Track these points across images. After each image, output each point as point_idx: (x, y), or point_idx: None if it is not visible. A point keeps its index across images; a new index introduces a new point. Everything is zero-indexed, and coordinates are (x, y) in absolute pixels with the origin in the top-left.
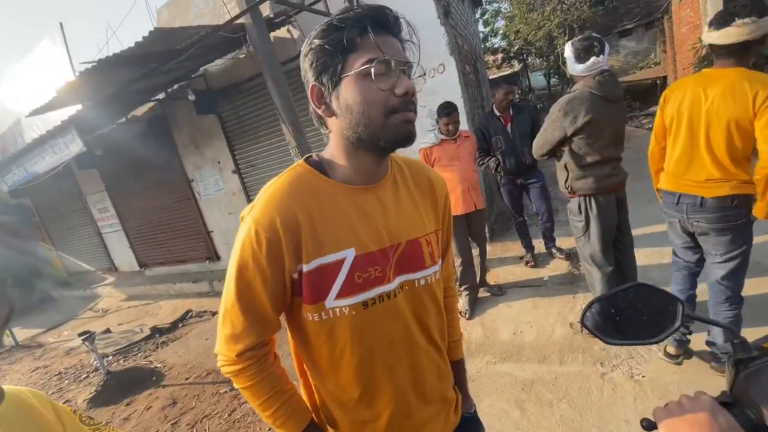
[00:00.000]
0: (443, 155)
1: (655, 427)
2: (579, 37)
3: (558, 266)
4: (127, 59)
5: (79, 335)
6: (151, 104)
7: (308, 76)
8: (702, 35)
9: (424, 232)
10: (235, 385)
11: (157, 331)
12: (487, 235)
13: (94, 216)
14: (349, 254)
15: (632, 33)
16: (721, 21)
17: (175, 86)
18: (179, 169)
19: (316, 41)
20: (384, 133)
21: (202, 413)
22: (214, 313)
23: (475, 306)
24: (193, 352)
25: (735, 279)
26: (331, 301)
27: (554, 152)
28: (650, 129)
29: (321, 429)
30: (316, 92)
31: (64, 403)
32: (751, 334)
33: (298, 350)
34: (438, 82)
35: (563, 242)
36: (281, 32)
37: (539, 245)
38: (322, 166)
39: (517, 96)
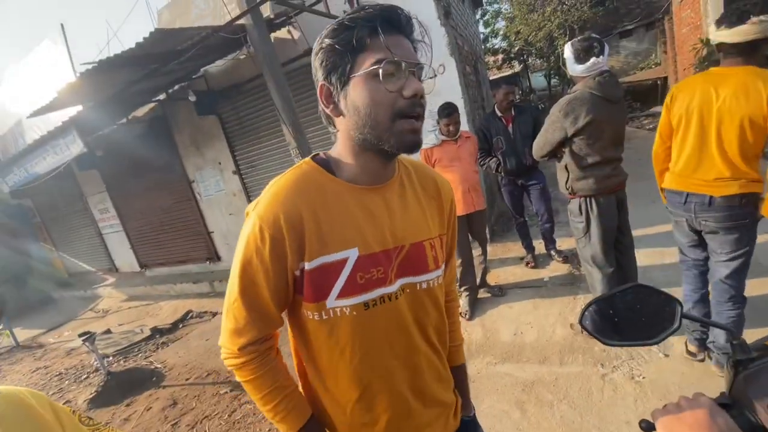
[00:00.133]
0: (444, 156)
1: (654, 429)
2: (579, 38)
3: (558, 267)
4: (127, 60)
5: (80, 336)
6: (151, 105)
7: (318, 74)
8: (709, 34)
9: (428, 235)
10: (237, 378)
11: (157, 331)
12: (488, 236)
13: (94, 216)
14: (353, 254)
15: (633, 34)
16: (733, 19)
17: (176, 87)
18: (180, 169)
19: (327, 40)
20: (389, 137)
21: (202, 414)
22: (215, 314)
23: (476, 307)
24: (194, 352)
25: (738, 278)
26: (332, 301)
27: (554, 153)
28: (651, 129)
29: (321, 426)
30: (325, 91)
31: (64, 403)
32: (752, 334)
33: (299, 349)
34: (438, 82)
35: (564, 243)
36: (282, 33)
37: (540, 246)
38: (329, 165)
39: (517, 96)
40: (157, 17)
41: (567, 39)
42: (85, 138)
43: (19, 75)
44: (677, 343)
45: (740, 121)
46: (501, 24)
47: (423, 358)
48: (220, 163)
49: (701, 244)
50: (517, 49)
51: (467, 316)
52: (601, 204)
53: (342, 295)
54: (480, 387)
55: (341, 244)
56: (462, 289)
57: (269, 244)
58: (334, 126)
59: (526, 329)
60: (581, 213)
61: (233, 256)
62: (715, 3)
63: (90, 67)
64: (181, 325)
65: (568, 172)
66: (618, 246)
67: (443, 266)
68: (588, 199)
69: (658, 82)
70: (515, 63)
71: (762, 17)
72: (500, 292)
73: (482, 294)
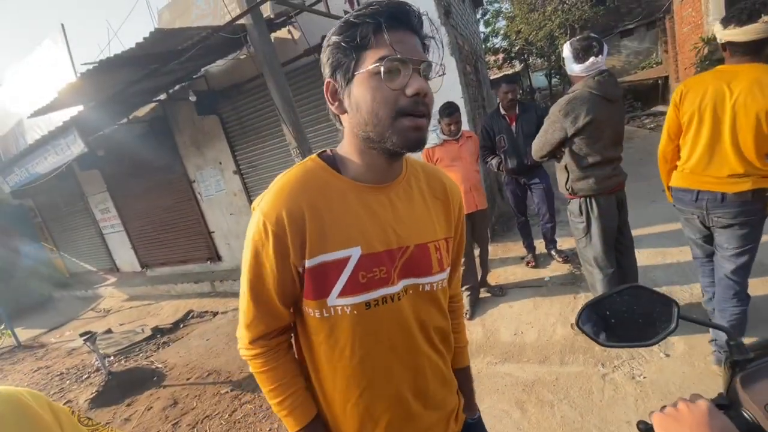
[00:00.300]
0: (445, 155)
1: (652, 430)
2: (578, 38)
3: (559, 267)
4: (128, 60)
5: (81, 335)
6: (152, 105)
7: (324, 71)
8: (715, 33)
9: (434, 237)
10: (251, 369)
11: (158, 331)
12: (489, 236)
13: (95, 216)
14: (355, 253)
15: (633, 33)
16: (743, 18)
17: (177, 87)
18: (180, 169)
19: (333, 37)
20: (391, 135)
21: (203, 413)
22: (216, 314)
23: (476, 306)
24: (195, 352)
25: (743, 274)
26: (333, 299)
27: (554, 153)
28: (652, 129)
29: (325, 425)
30: (331, 88)
31: (65, 403)
32: (753, 335)
33: (300, 347)
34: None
35: (564, 242)
36: (282, 33)
37: (540, 245)
38: (335, 162)
39: (519, 95)
40: (158, 17)
41: (568, 38)
42: (85, 138)
43: (19, 75)
44: (678, 343)
45: (756, 115)
46: (501, 23)
47: (425, 360)
48: (220, 163)
49: (712, 238)
50: (517, 48)
51: (468, 316)
52: (601, 204)
53: (343, 293)
54: (480, 387)
55: (344, 242)
56: (463, 288)
57: (272, 240)
58: (341, 123)
59: (527, 329)
60: (581, 213)
61: (233, 256)
62: (716, 2)
63: (90, 67)
64: (182, 325)
65: (567, 172)
66: (618, 246)
67: (448, 270)
68: (588, 200)
69: (659, 82)
70: (516, 62)
71: None
72: (501, 292)
73: (483, 294)
